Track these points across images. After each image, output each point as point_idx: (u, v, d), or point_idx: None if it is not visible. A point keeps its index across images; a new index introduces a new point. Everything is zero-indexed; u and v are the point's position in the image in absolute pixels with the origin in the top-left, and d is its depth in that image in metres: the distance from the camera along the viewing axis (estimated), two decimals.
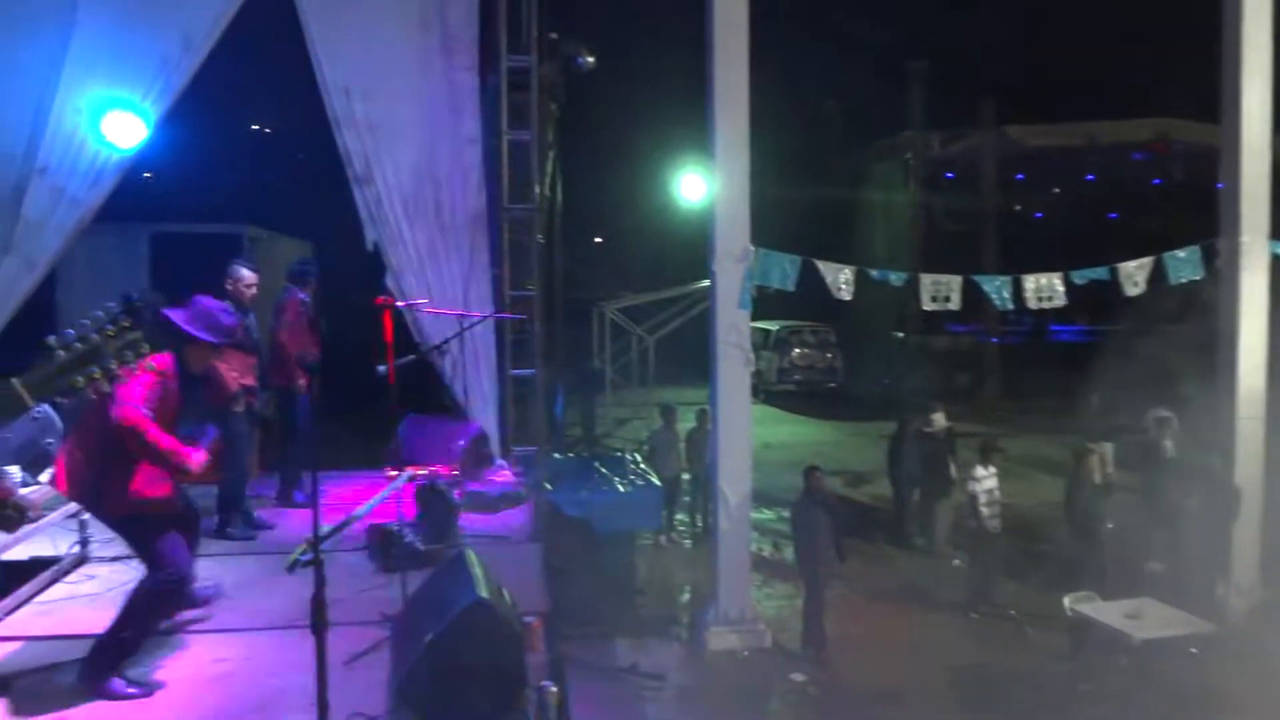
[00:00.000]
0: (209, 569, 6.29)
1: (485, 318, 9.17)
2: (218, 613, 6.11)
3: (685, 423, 12.33)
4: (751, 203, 8.35)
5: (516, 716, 4.44)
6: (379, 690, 4.76)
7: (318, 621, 3.72)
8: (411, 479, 7.10)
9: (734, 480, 8.38)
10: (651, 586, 9.64)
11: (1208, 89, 9.43)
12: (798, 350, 23.69)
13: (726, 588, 8.37)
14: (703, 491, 11.27)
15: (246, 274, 7.63)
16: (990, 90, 23.89)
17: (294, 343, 8.12)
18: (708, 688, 7.68)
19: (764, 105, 8.65)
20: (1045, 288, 8.81)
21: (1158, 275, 8.92)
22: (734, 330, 8.31)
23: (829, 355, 23.94)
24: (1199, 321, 9.58)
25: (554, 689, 4.66)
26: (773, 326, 23.35)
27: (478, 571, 4.73)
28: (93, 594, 6.38)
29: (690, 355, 14.42)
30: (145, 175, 14.59)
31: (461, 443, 8.75)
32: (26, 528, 6.40)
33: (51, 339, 2.69)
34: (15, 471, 6.35)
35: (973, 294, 8.80)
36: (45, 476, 6.70)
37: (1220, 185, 9.12)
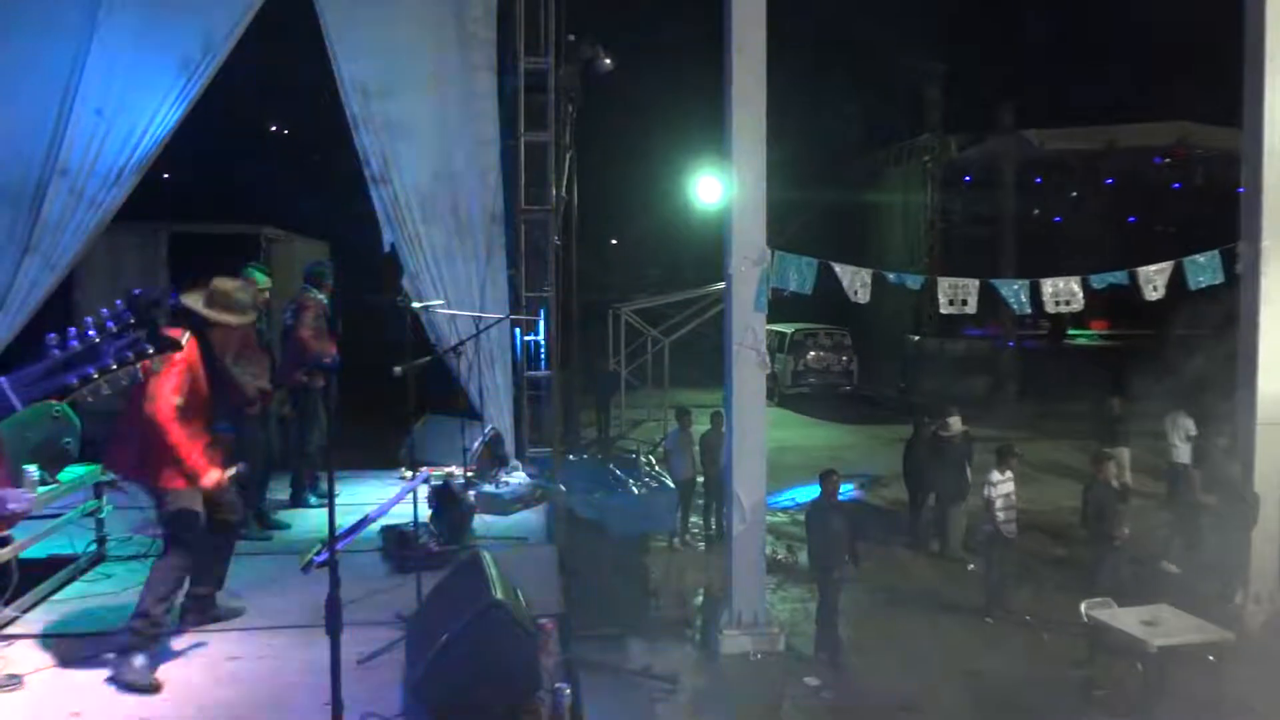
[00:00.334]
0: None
1: (501, 319, 9.18)
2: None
3: (700, 425, 12.32)
4: (768, 205, 8.34)
5: (530, 718, 4.44)
6: (393, 691, 4.77)
7: (332, 621, 3.72)
8: (427, 480, 7.12)
9: (749, 483, 8.37)
10: (665, 589, 9.62)
11: (1229, 92, 9.37)
12: (813, 353, 23.64)
13: (740, 591, 8.36)
14: (716, 494, 11.25)
15: (259, 279, 7.67)
16: (1009, 93, 23.81)
17: (313, 343, 8.15)
18: (720, 691, 7.67)
19: (781, 107, 8.64)
20: (1063, 292, 8.77)
21: (1177, 280, 8.86)
22: (749, 333, 8.29)
23: (844, 358, 23.88)
24: (1221, 326, 9.52)
25: (567, 691, 4.66)
26: (788, 329, 23.31)
27: (493, 573, 4.73)
28: (109, 592, 6.41)
29: (705, 358, 14.43)
30: (164, 176, 14.66)
31: (476, 444, 8.77)
32: (46, 524, 6.46)
33: (50, 338, 2.65)
34: (34, 470, 6.38)
35: (990, 298, 8.77)
36: (65, 475, 6.76)
37: (1241, 189, 9.06)
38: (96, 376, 2.57)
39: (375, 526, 6.93)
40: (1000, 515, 9.31)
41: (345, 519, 4.33)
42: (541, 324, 10.35)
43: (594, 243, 19.65)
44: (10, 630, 5.74)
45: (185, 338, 5.19)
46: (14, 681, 5.10)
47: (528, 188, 10.09)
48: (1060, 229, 29.02)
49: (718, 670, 7.97)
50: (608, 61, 11.69)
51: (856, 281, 8.49)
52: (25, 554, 6.19)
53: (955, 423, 11.38)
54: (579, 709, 4.88)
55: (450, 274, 9.43)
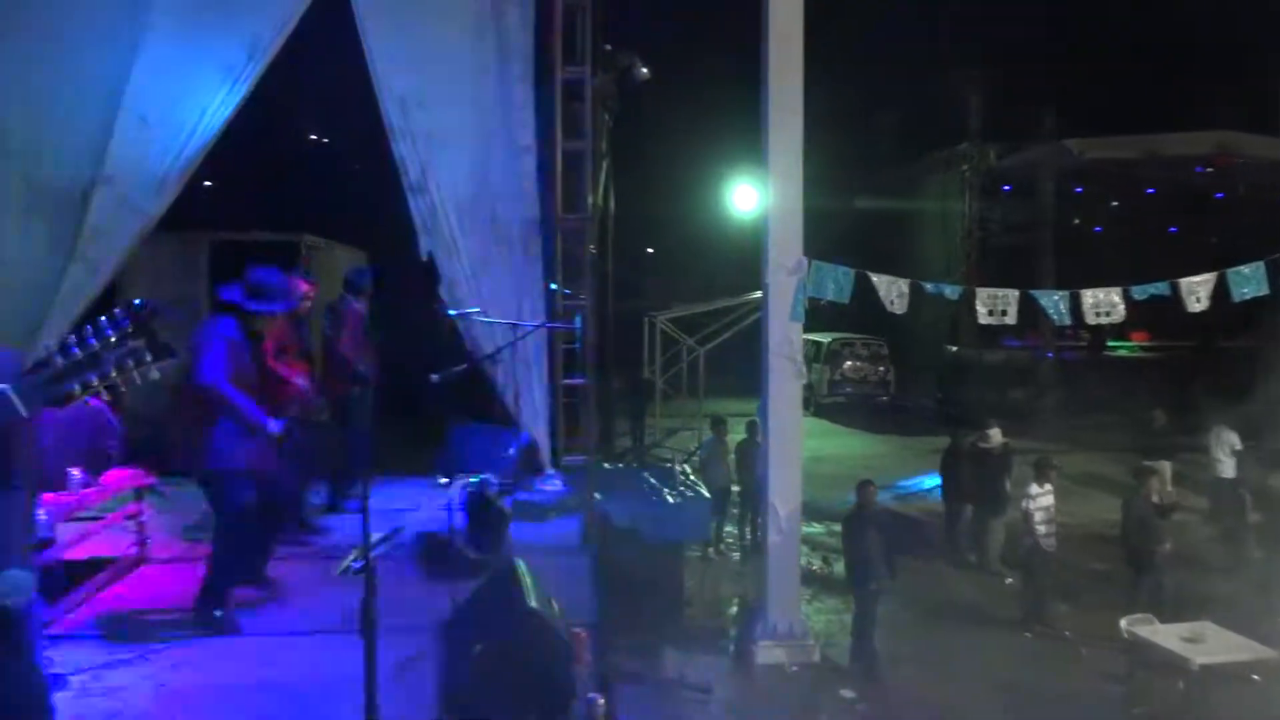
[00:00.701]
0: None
1: (537, 327, 9.20)
2: (269, 616, 6.19)
3: (735, 434, 12.27)
4: (805, 214, 8.30)
5: None
6: (427, 697, 4.78)
7: (367, 627, 3.74)
8: (462, 487, 7.15)
9: (784, 493, 8.32)
10: (699, 598, 9.59)
11: (1272, 101, 9.22)
12: (849, 363, 23.54)
13: (776, 601, 8.30)
14: (751, 504, 11.20)
15: (301, 286, 7.75)
16: (1049, 102, 23.58)
17: (354, 353, 8.23)
18: (755, 702, 7.62)
19: (818, 115, 8.60)
20: (1104, 303, 8.65)
21: (1220, 291, 8.72)
22: (786, 342, 8.25)
23: (881, 368, 23.75)
24: (1266, 338, 9.37)
25: (601, 700, 4.65)
26: (824, 339, 23.20)
27: (528, 581, 4.74)
28: (150, 596, 6.48)
29: (741, 366, 14.37)
30: (205, 184, 14.84)
31: (512, 451, 8.79)
32: (88, 526, 6.57)
33: (49, 344, 2.72)
34: (76, 473, 6.48)
35: (1030, 308, 8.67)
36: (107, 478, 6.86)
37: None
38: (97, 383, 2.63)
39: (411, 533, 6.98)
40: (1040, 529, 9.21)
41: (381, 526, 4.34)
42: (578, 332, 10.36)
43: (630, 251, 19.62)
44: (53, 630, 5.82)
45: (225, 318, 5.87)
46: (56, 682, 5.17)
47: (565, 196, 10.12)
48: (1100, 239, 28.70)
49: (752, 681, 7.92)
50: (644, 70, 11.70)
51: (893, 291, 8.42)
52: (68, 556, 6.28)
53: (995, 434, 11.28)
54: (613, 718, 4.87)
55: (487, 282, 9.46)
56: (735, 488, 11.80)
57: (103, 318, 2.68)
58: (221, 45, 8.37)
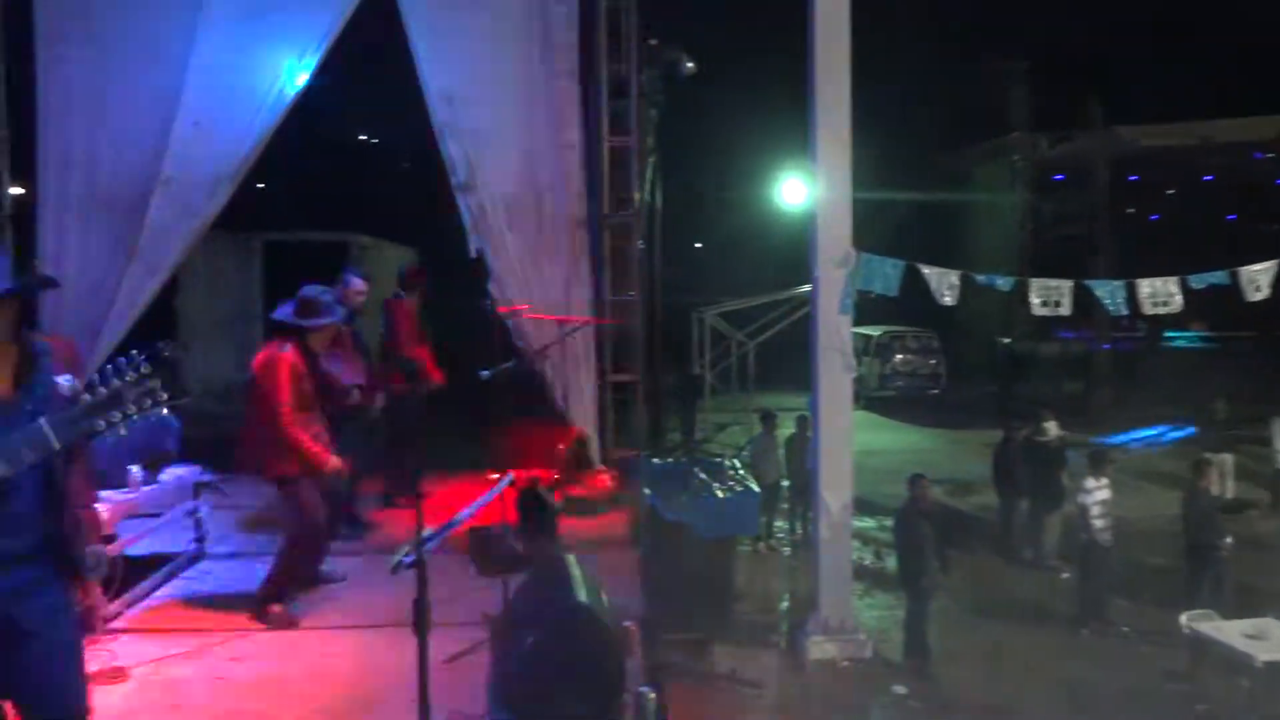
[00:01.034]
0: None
1: (586, 323, 9.23)
2: (327, 610, 6.28)
3: (785, 429, 12.22)
4: (853, 206, 8.23)
5: None
6: (478, 690, 4.82)
7: (420, 621, 3.78)
8: (513, 482, 7.19)
9: (835, 487, 8.25)
10: (750, 593, 9.56)
11: None
12: (900, 356, 23.29)
13: (827, 596, 8.25)
14: (802, 498, 11.14)
15: (357, 283, 7.87)
16: (1099, 89, 23.17)
17: (409, 349, 8.32)
18: (807, 697, 7.58)
19: (866, 107, 8.52)
20: (1161, 293, 8.48)
21: None
22: (835, 335, 8.19)
23: (932, 361, 23.48)
24: None
25: (652, 695, 4.65)
26: (874, 331, 23.01)
27: (577, 575, 4.75)
28: (209, 591, 6.60)
29: (790, 360, 14.31)
30: (259, 186, 15.07)
31: (562, 447, 8.82)
32: (150, 522, 6.72)
33: (73, 384, 2.96)
34: (135, 470, 6.61)
35: (1084, 299, 8.53)
36: (166, 476, 7.00)
37: None
38: (119, 420, 2.87)
39: (462, 528, 7.02)
40: (1097, 523, 9.05)
41: (433, 521, 4.39)
42: (626, 328, 10.37)
43: (678, 246, 19.62)
44: (114, 625, 5.95)
45: (287, 347, 6.09)
46: (118, 675, 5.29)
47: (612, 192, 10.13)
48: (1157, 227, 28.18)
49: (804, 676, 7.87)
50: (690, 65, 11.66)
51: (944, 283, 8.32)
52: (128, 551, 6.41)
53: (1051, 427, 11.10)
54: (664, 713, 4.87)
55: (536, 278, 9.51)
56: (785, 482, 11.75)
57: (122, 358, 2.90)
58: (271, 51, 8.51)
